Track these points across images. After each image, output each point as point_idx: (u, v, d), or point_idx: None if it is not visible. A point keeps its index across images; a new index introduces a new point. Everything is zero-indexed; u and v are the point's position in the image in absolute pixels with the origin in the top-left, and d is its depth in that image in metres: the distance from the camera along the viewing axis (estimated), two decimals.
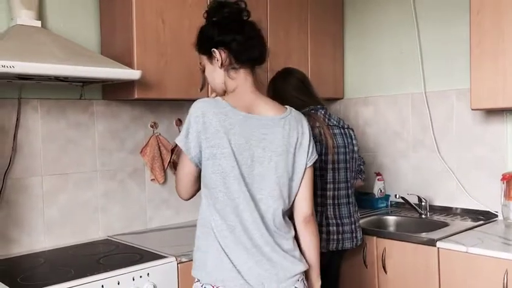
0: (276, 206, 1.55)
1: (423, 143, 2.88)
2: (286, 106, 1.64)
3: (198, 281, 1.56)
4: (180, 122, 2.64)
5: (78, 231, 2.30)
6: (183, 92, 2.30)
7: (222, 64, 1.57)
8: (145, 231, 2.50)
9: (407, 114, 2.94)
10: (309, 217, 1.64)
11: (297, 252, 1.60)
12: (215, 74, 1.61)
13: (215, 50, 1.56)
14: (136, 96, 2.18)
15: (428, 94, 2.84)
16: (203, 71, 1.67)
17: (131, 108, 2.48)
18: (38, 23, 2.03)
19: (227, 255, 1.50)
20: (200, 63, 1.66)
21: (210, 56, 1.59)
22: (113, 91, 2.32)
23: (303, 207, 1.63)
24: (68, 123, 2.27)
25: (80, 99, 2.30)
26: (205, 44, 1.60)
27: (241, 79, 1.58)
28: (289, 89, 2.21)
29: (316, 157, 1.66)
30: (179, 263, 1.99)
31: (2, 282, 1.70)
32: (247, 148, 1.50)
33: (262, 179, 1.53)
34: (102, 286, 1.77)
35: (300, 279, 1.57)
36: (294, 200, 1.62)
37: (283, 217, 1.58)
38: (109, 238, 2.35)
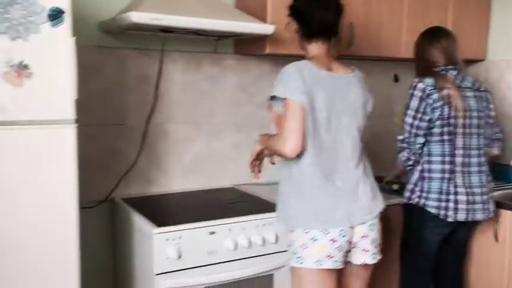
0: None
1: None
2: (352, 66, 1.85)
3: None
4: None
5: (209, 177, 2.46)
6: None
7: (297, 32, 1.82)
8: (268, 183, 2.59)
9: None
10: None
11: None
12: (297, 41, 1.87)
13: (292, 18, 1.82)
14: (267, 51, 2.22)
15: None
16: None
17: (261, 64, 2.53)
18: None
19: None
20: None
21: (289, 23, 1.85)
22: (245, 46, 2.39)
23: None
24: (203, 75, 2.39)
25: (214, 53, 2.41)
26: (288, 10, 1.84)
27: (315, 49, 1.81)
28: (431, 50, 2.11)
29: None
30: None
31: (144, 216, 1.90)
32: (332, 104, 1.72)
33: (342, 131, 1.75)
34: (230, 230, 1.89)
35: None
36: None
37: None
38: (235, 187, 2.48)
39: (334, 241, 1.70)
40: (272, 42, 2.20)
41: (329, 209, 1.72)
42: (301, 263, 1.72)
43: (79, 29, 1.65)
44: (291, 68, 1.72)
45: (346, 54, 2.25)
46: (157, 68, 2.26)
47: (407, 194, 2.14)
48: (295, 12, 1.82)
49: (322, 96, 1.70)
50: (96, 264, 2.14)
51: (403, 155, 2.10)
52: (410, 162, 2.10)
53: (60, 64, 1.54)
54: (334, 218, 1.71)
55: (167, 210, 2.04)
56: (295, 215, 1.74)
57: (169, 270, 1.78)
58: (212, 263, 1.86)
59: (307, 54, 1.84)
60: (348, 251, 1.76)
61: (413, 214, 2.13)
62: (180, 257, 1.78)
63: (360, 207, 1.75)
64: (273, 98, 1.78)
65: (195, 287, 1.83)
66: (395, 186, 2.47)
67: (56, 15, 1.51)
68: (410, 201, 2.12)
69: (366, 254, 1.78)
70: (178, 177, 2.37)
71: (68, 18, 1.54)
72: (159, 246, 1.76)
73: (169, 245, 1.77)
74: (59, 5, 1.52)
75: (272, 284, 2.00)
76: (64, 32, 1.54)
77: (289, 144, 1.68)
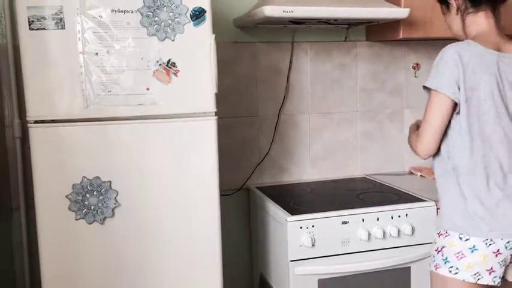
0: None
1: None
2: None
3: None
4: None
5: (338, 167, 2.45)
6: None
7: (457, 10, 1.58)
8: (401, 173, 2.51)
9: None
10: None
11: None
12: (453, 22, 1.62)
13: None
14: (401, 36, 2.13)
15: None
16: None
17: (393, 49, 2.45)
18: None
19: None
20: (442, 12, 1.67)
21: (447, 5, 1.62)
22: (377, 32, 2.32)
23: None
24: (333, 64, 2.38)
25: (345, 41, 2.38)
26: None
27: (482, 23, 1.56)
28: None
29: None
30: (439, 208, 1.94)
31: (278, 204, 1.96)
32: (501, 88, 1.48)
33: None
34: (363, 220, 1.87)
35: None
36: None
37: None
38: (366, 176, 2.44)
39: (498, 254, 1.46)
40: (406, 27, 2.12)
41: (495, 214, 1.46)
42: (456, 273, 1.49)
43: (217, 27, 1.75)
44: (449, 51, 1.47)
45: None
46: (288, 60, 2.31)
47: None
48: None
49: (487, 83, 1.47)
50: (234, 249, 2.27)
51: None
52: None
53: (203, 61, 1.65)
54: (501, 225, 1.46)
55: (300, 199, 2.08)
56: (451, 217, 1.53)
57: (304, 258, 1.82)
58: (345, 252, 1.85)
59: (467, 35, 1.58)
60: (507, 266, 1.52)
61: None
62: (313, 245, 1.81)
63: None
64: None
65: (330, 275, 1.84)
66: None
67: (198, 15, 1.62)
68: None
69: None
70: (309, 166, 2.41)
71: (208, 17, 1.64)
72: (293, 234, 1.80)
73: (302, 233, 1.81)
74: (201, 5, 1.62)
75: (409, 276, 1.93)
76: (205, 30, 1.65)
77: (420, 146, 1.55)
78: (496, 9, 1.57)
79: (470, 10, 1.56)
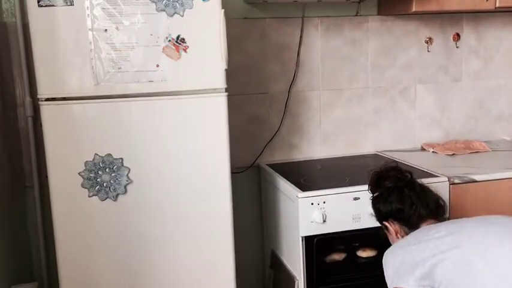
0: None
1: None
2: None
3: None
4: (457, 37, 2.43)
5: (350, 144, 2.44)
6: (467, 2, 2.09)
7: (396, 234, 1.57)
8: (413, 149, 2.49)
9: None
10: None
11: None
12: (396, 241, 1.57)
13: (385, 223, 1.59)
14: (413, 10, 2.09)
15: None
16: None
17: (405, 23, 2.40)
18: None
19: None
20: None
21: (386, 226, 1.61)
22: (389, 6, 2.28)
23: None
24: (344, 40, 2.35)
25: (356, 16, 2.34)
26: (377, 217, 1.64)
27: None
28: None
29: None
30: (451, 183, 1.93)
31: (289, 181, 1.96)
32: None
33: None
34: None
35: None
36: None
37: None
38: (378, 153, 2.43)
39: None
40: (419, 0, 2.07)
41: None
42: None
43: (226, 2, 1.72)
44: None
45: None
46: (298, 36, 2.28)
47: None
48: None
49: None
50: (245, 226, 2.28)
51: None
52: None
53: (212, 37, 1.64)
54: None
55: (311, 176, 2.08)
56: None
57: (315, 234, 1.82)
58: (357, 228, 1.86)
59: None
60: None
61: None
62: (324, 221, 1.81)
63: None
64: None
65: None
66: None
67: None
68: None
69: None
70: (319, 143, 2.39)
71: None
72: (304, 210, 1.81)
73: (314, 209, 1.81)
74: None
75: None
76: (214, 6, 1.63)
77: None
78: (440, 217, 1.56)
79: (410, 232, 1.51)
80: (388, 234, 1.64)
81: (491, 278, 1.22)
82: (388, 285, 1.43)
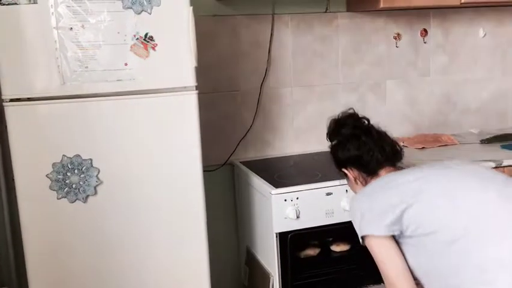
0: None
1: None
2: None
3: None
4: (425, 33, 2.48)
5: (322, 139, 2.41)
6: None
7: (355, 180, 1.58)
8: None
9: None
10: None
11: None
12: (355, 187, 1.61)
13: (344, 170, 1.61)
14: (381, 6, 2.11)
15: None
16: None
17: (374, 20, 2.43)
18: None
19: None
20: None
21: (345, 173, 1.62)
22: (358, 2, 2.30)
23: None
24: (314, 36, 2.36)
25: (326, 13, 2.35)
26: (336, 164, 1.65)
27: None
28: None
29: None
30: None
31: (262, 178, 1.96)
32: None
33: None
34: (346, 191, 1.88)
35: None
36: None
37: None
38: None
39: None
40: None
41: None
42: None
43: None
44: None
45: None
46: (269, 33, 2.28)
47: None
48: None
49: None
50: (220, 223, 2.27)
51: None
52: None
53: (181, 34, 1.63)
54: None
55: (284, 172, 2.09)
56: None
57: (289, 230, 1.83)
58: (330, 223, 1.87)
59: None
60: None
61: None
62: (298, 217, 1.82)
63: None
64: None
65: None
66: None
67: None
68: None
69: None
70: (292, 139, 2.40)
71: None
72: (277, 207, 1.81)
73: (287, 205, 1.81)
74: None
75: None
76: (182, 3, 1.61)
77: None
78: (397, 162, 1.59)
79: (369, 178, 1.55)
80: (348, 181, 1.67)
81: (458, 217, 1.29)
82: (357, 233, 1.44)
